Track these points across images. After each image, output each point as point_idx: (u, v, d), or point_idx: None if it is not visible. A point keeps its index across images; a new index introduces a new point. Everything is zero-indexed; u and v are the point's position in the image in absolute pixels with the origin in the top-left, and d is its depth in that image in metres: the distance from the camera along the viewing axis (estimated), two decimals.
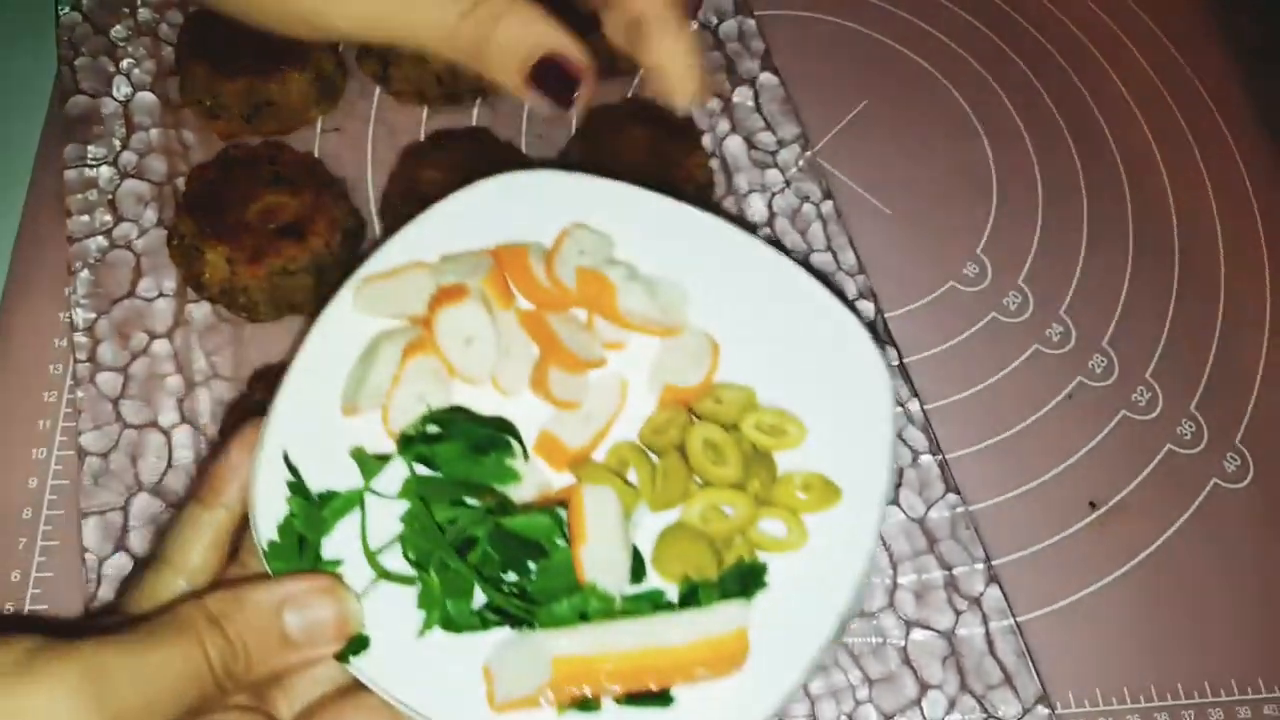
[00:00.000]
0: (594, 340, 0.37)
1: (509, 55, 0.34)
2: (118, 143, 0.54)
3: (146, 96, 0.55)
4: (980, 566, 0.47)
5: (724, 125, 0.58)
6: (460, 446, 0.34)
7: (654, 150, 0.54)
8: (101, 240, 0.51)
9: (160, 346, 0.49)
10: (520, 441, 0.35)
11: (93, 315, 0.50)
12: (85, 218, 0.52)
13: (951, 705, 0.45)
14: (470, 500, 0.34)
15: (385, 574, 0.33)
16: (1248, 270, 0.59)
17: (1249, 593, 0.50)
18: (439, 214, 0.38)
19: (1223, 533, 0.51)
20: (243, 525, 0.34)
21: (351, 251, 0.52)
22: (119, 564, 0.44)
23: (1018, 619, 0.46)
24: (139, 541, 0.45)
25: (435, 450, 0.34)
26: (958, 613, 0.46)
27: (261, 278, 0.48)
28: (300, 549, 0.32)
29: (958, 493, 0.49)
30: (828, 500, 0.35)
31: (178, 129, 0.55)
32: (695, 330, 0.37)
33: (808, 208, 0.56)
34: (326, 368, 0.35)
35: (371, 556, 0.33)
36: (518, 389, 0.36)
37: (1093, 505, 0.51)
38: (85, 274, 0.50)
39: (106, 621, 0.31)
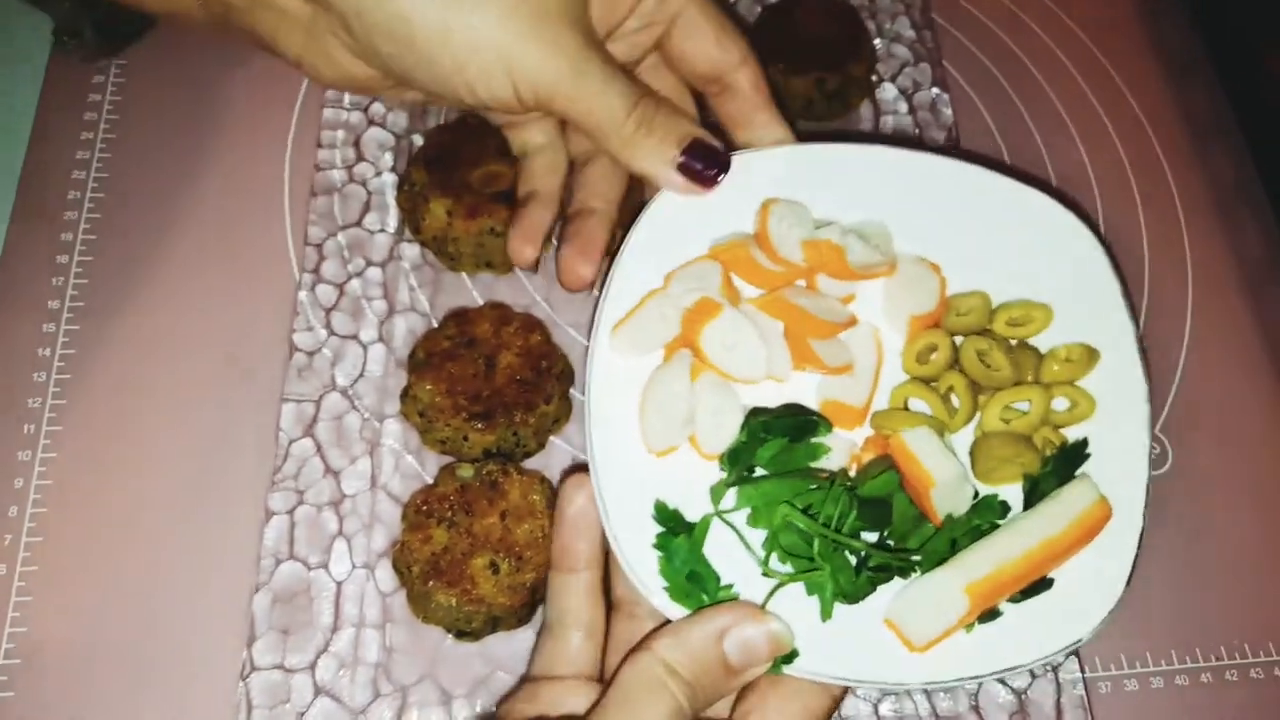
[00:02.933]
0: (833, 301, 0.39)
1: (665, 144, 0.38)
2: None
3: None
4: None
5: None
6: (777, 444, 0.37)
7: None
8: (342, 174, 0.59)
9: (373, 273, 0.56)
10: (819, 416, 0.38)
11: (323, 234, 0.57)
12: (332, 152, 0.60)
13: None
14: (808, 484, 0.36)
15: (785, 577, 0.36)
16: (1169, 264, 0.61)
17: (1166, 577, 0.52)
18: (641, 238, 0.40)
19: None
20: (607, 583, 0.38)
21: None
22: (304, 447, 0.51)
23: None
24: (324, 432, 0.52)
25: (758, 455, 0.37)
26: (1034, 676, 0.48)
27: (472, 233, 0.54)
28: (694, 583, 0.35)
29: None
30: (1093, 360, 0.38)
31: None
32: (910, 259, 0.40)
33: None
34: (619, 418, 0.37)
35: (766, 564, 0.36)
36: (786, 372, 0.38)
37: None
38: (323, 199, 0.58)
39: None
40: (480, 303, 0.56)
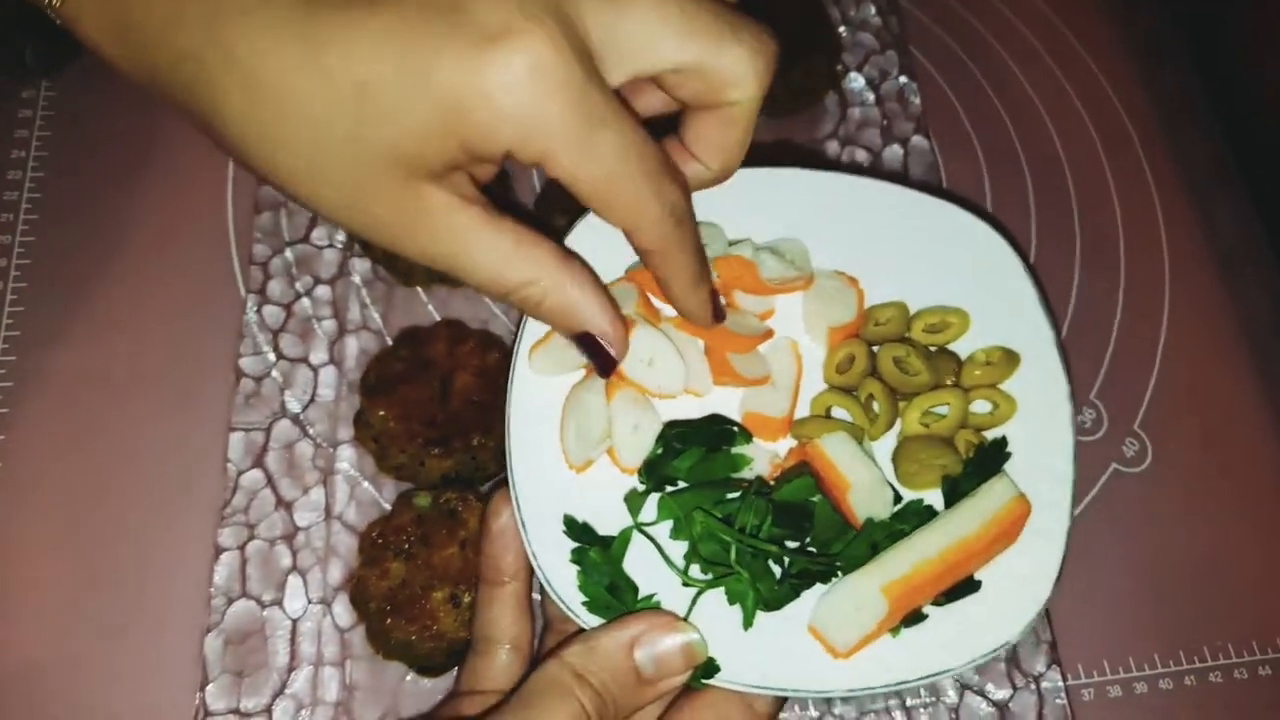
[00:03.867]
0: (750, 316, 0.40)
1: (555, 323, 0.35)
2: None
3: None
4: (1045, 648, 0.48)
5: None
6: (695, 455, 0.37)
7: None
8: None
9: (322, 291, 0.54)
10: (738, 427, 0.38)
11: (268, 252, 0.55)
12: None
13: None
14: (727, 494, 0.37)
15: (704, 584, 0.36)
16: (1147, 260, 0.60)
17: (1147, 574, 0.51)
18: None
19: (1122, 515, 0.53)
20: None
21: None
22: (254, 478, 0.49)
23: None
24: (274, 462, 0.49)
25: (675, 466, 0.37)
26: (1015, 688, 0.47)
27: None
28: (614, 595, 0.35)
29: None
30: (1013, 364, 0.39)
31: None
32: (828, 274, 0.40)
33: None
34: (539, 436, 0.37)
35: (685, 574, 0.36)
36: (707, 387, 0.39)
37: None
38: (268, 214, 0.56)
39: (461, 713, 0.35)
40: (436, 318, 0.54)
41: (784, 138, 0.61)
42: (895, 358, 0.39)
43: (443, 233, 0.31)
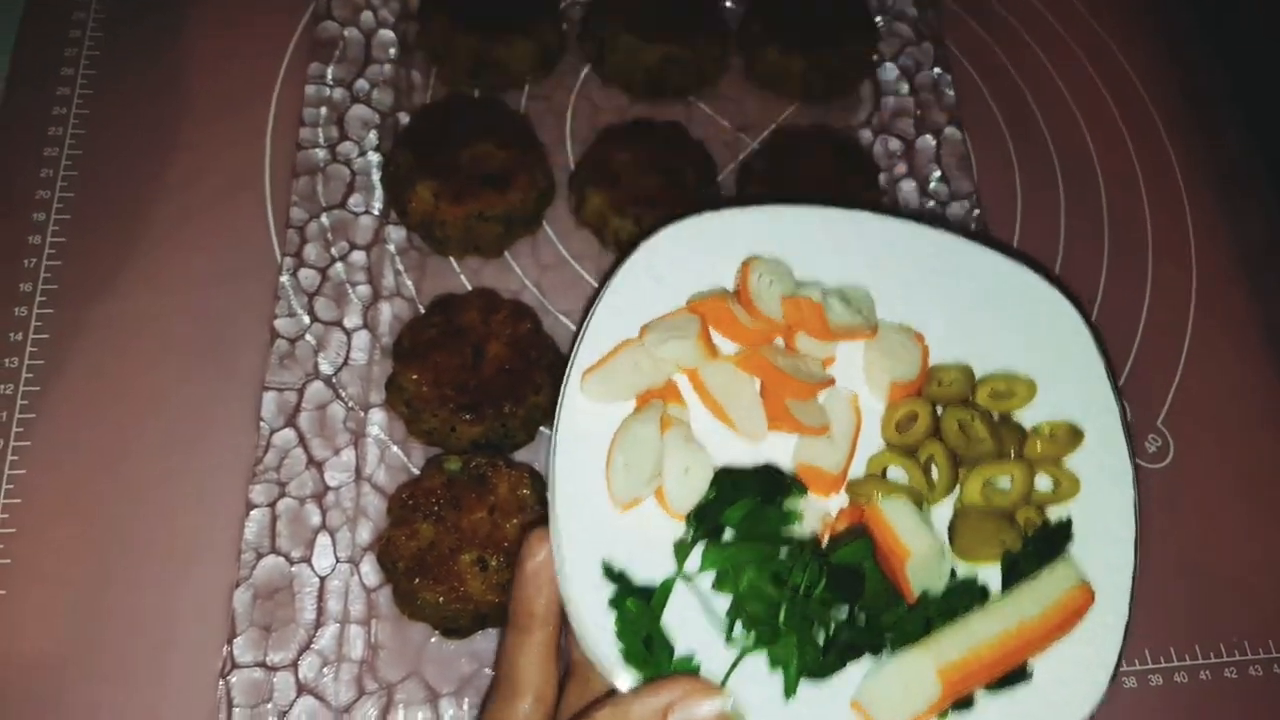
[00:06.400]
0: (811, 360, 0.38)
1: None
2: (355, 70, 0.59)
3: (387, 34, 0.61)
4: None
5: (902, 167, 0.60)
6: (748, 504, 0.35)
7: (833, 178, 0.57)
8: (325, 153, 0.57)
9: (358, 257, 0.54)
10: (793, 480, 0.36)
11: (305, 216, 0.55)
12: (315, 130, 0.58)
13: None
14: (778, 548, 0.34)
15: (748, 646, 0.33)
16: (1174, 255, 0.60)
17: (1169, 569, 0.51)
18: (619, 289, 0.38)
19: (1144, 512, 0.52)
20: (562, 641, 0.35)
21: (538, 211, 0.56)
22: (287, 437, 0.50)
23: None
24: (307, 422, 0.50)
25: (727, 515, 0.35)
26: None
27: (459, 217, 0.53)
28: (650, 649, 0.33)
29: None
30: (1076, 440, 0.37)
31: (408, 69, 0.61)
32: (893, 326, 0.39)
33: None
34: (585, 467, 0.35)
35: (730, 634, 0.33)
36: (761, 431, 0.36)
37: None
38: (305, 179, 0.56)
39: None
40: (468, 288, 0.55)
41: (820, 122, 0.61)
42: (960, 420, 0.37)
43: None
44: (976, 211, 0.59)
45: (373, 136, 0.57)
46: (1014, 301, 0.39)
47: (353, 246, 0.55)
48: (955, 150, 0.61)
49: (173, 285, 0.54)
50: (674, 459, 0.35)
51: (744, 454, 0.36)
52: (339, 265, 0.54)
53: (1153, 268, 0.60)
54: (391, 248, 0.55)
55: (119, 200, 0.56)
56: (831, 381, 0.38)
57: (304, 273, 0.54)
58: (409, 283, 0.54)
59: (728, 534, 0.35)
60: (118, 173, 0.57)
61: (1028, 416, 0.38)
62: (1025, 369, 0.38)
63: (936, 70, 0.64)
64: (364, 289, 0.54)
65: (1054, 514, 0.37)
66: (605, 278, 0.39)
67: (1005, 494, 0.36)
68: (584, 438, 0.36)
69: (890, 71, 0.63)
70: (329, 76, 0.59)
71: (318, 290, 0.53)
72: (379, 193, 0.56)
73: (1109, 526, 0.36)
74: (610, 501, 0.35)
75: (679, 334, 0.37)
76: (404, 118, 0.58)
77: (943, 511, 0.37)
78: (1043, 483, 0.37)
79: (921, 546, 0.34)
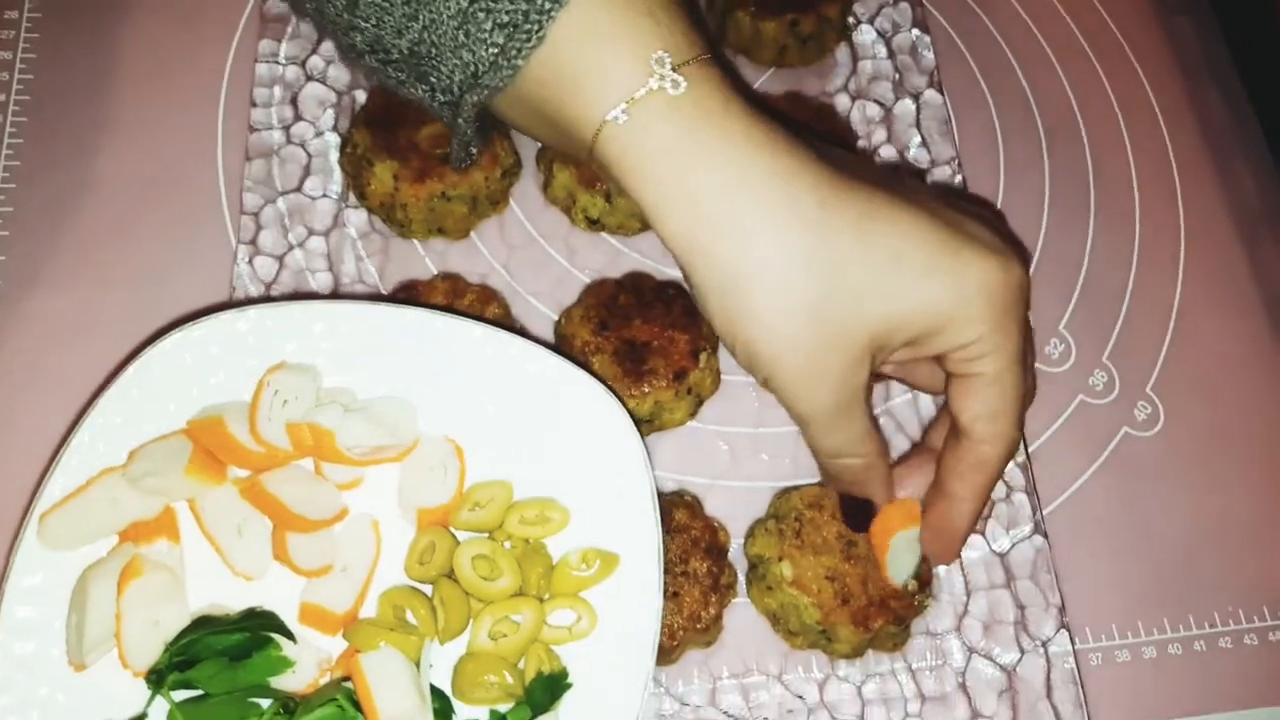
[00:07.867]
0: (328, 489, 0.34)
1: (854, 486, 0.41)
2: (308, 46, 0.57)
3: None
4: (1054, 611, 0.47)
5: (880, 134, 0.58)
6: (217, 663, 0.32)
7: None
8: (279, 134, 0.54)
9: (316, 243, 0.52)
10: (281, 627, 0.33)
11: (260, 201, 0.53)
12: (268, 111, 0.55)
13: None
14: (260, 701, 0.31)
15: None
16: (1162, 221, 0.59)
17: (1157, 538, 0.51)
18: (111, 401, 0.34)
19: (1133, 479, 0.52)
20: None
21: (504, 189, 0.54)
22: None
23: None
24: None
25: (193, 675, 0.32)
26: (1023, 651, 0.47)
27: (421, 198, 0.51)
28: None
29: (1045, 536, 0.49)
30: (608, 568, 0.35)
31: None
32: (433, 439, 0.36)
33: None
34: (41, 623, 0.32)
35: None
36: (259, 570, 0.33)
37: None
38: (259, 163, 0.54)
39: None
40: (433, 271, 0.53)
41: (794, 89, 0.59)
42: (476, 556, 0.35)
43: (851, 394, 0.36)
44: (959, 177, 0.57)
45: (329, 116, 0.55)
46: (570, 410, 0.36)
47: (311, 232, 0.52)
48: (936, 114, 0.59)
49: (123, 276, 0.52)
50: (136, 614, 0.32)
51: (243, 593, 0.33)
52: (297, 252, 0.52)
53: (1140, 232, 0.58)
54: (352, 232, 0.53)
55: (61, 192, 0.53)
56: (343, 514, 0.35)
57: (260, 260, 0.51)
58: (371, 269, 0.52)
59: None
60: (59, 162, 0.54)
61: (563, 541, 0.36)
62: (571, 487, 0.36)
63: (915, 32, 0.61)
64: (324, 275, 0.51)
65: (568, 652, 0.34)
66: (96, 393, 0.35)
67: (514, 634, 0.34)
68: (37, 589, 0.32)
69: (867, 34, 0.61)
70: (281, 54, 0.57)
71: (275, 279, 0.51)
72: (337, 174, 0.54)
73: (627, 658, 0.34)
74: (64, 661, 0.32)
75: (164, 463, 0.33)
76: (361, 96, 0.56)
77: (460, 647, 0.35)
78: (564, 618, 0.35)
79: (395, 710, 0.31)
